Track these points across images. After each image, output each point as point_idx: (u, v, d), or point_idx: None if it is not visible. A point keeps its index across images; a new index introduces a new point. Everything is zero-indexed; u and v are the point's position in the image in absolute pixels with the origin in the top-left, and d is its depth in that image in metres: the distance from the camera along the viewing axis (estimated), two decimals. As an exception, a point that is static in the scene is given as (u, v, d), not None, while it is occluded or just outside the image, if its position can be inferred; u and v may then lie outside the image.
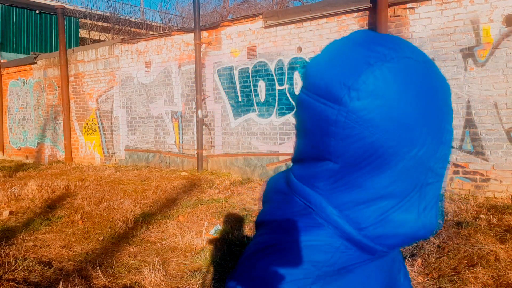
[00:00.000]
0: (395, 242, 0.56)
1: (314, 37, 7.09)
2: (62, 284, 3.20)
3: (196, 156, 8.58)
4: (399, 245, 0.58)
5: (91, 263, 3.75)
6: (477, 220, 4.33)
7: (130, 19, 19.98)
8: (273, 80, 7.53)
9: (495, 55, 5.43)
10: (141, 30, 20.30)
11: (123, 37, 13.33)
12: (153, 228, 4.83)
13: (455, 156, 5.72)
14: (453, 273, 3.19)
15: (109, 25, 19.33)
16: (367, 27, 6.50)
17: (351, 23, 6.70)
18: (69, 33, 16.58)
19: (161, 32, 11.18)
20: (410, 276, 3.19)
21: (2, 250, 4.00)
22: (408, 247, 3.71)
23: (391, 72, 0.50)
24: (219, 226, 4.68)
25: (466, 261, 3.35)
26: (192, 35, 8.57)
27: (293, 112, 7.30)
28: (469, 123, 5.61)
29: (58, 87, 11.49)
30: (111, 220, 5.13)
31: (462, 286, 2.99)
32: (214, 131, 8.44)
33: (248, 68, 7.85)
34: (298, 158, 0.61)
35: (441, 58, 5.78)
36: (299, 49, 7.25)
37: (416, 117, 0.50)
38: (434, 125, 0.53)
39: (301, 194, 0.60)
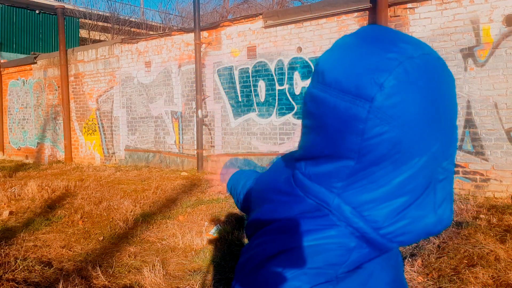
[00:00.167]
0: (412, 238, 0.56)
1: (314, 37, 7.09)
2: (62, 284, 3.20)
3: (196, 156, 8.58)
4: (415, 241, 0.57)
5: (91, 263, 3.75)
6: (477, 220, 4.33)
7: (130, 19, 19.98)
8: (273, 80, 7.53)
9: (495, 55, 5.43)
10: (141, 30, 20.30)
11: (123, 37, 13.33)
12: (153, 228, 4.83)
13: (455, 156, 5.72)
14: (453, 273, 3.19)
15: (109, 25, 19.33)
16: (367, 27, 6.50)
17: (351, 23, 6.70)
18: (69, 33, 16.58)
19: (161, 32, 11.18)
20: (410, 276, 3.19)
21: (2, 250, 4.00)
22: (408, 247, 3.71)
23: (418, 68, 0.49)
24: (219, 226, 4.68)
25: (466, 261, 3.35)
26: (192, 35, 8.57)
27: (293, 112, 7.30)
28: (469, 123, 5.61)
29: (58, 87, 11.49)
30: (111, 220, 5.13)
31: (462, 286, 2.98)
32: (214, 131, 8.44)
33: (248, 68, 7.85)
34: (309, 156, 0.59)
35: (441, 58, 5.78)
36: (299, 49, 7.25)
37: (437, 113, 0.51)
38: (449, 120, 0.53)
39: (314, 194, 0.58)
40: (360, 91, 0.50)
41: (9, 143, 13.26)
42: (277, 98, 7.50)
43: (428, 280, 3.17)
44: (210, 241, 4.28)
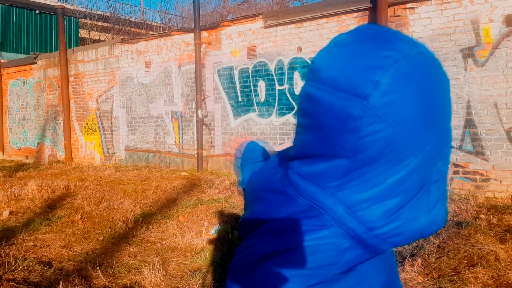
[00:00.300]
0: (405, 239, 0.56)
1: (314, 37, 7.09)
2: (62, 284, 3.20)
3: (196, 156, 8.58)
4: (408, 242, 0.57)
5: (91, 263, 3.74)
6: (477, 220, 4.33)
7: (130, 19, 19.98)
8: (273, 80, 7.53)
9: (495, 55, 5.43)
10: (141, 30, 20.30)
11: (123, 37, 13.33)
12: (153, 228, 4.83)
13: (455, 156, 5.72)
14: (453, 273, 3.19)
15: (109, 25, 19.33)
16: (367, 27, 6.50)
17: (351, 23, 6.69)
18: (69, 33, 16.58)
19: (161, 32, 11.18)
20: (410, 276, 3.19)
21: (2, 250, 4.00)
22: (408, 247, 3.71)
23: (414, 67, 0.49)
24: (219, 226, 4.68)
25: (466, 261, 3.35)
26: (192, 35, 8.57)
27: (293, 112, 7.30)
28: (469, 123, 5.61)
29: (58, 87, 11.49)
30: (111, 220, 5.13)
31: (462, 286, 2.98)
32: (214, 131, 8.44)
33: (248, 68, 7.85)
34: (303, 155, 0.59)
35: (441, 58, 5.78)
36: (299, 49, 7.25)
37: (431, 112, 0.51)
38: (442, 121, 0.53)
39: (307, 194, 0.58)
40: (355, 89, 0.49)
41: (9, 143, 13.26)
42: (277, 98, 7.50)
43: (428, 280, 3.17)
44: (210, 241, 4.28)
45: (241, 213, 5.22)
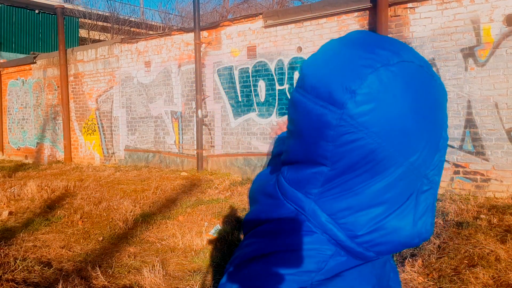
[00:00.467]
0: (389, 249, 0.55)
1: (314, 37, 7.08)
2: (62, 284, 3.19)
3: (196, 156, 8.58)
4: (393, 252, 0.57)
5: (91, 263, 3.74)
6: (478, 220, 4.32)
7: (130, 19, 19.97)
8: (273, 80, 7.52)
9: (496, 55, 5.43)
10: (141, 30, 20.30)
11: (122, 37, 13.32)
12: (153, 228, 4.82)
13: (456, 156, 5.71)
14: (453, 274, 3.18)
15: (108, 25, 19.33)
16: (367, 27, 6.50)
17: (351, 23, 6.69)
18: (68, 33, 16.57)
19: (161, 32, 11.17)
20: (410, 276, 3.18)
21: (1, 250, 3.99)
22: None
23: (394, 76, 0.48)
24: (219, 226, 4.68)
25: (466, 262, 3.34)
26: (192, 35, 8.56)
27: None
28: (469, 123, 5.60)
29: (58, 87, 11.47)
30: (110, 220, 5.12)
31: (463, 286, 2.98)
32: (214, 131, 8.43)
33: (248, 68, 7.85)
34: (289, 161, 0.59)
35: (441, 58, 5.78)
36: (299, 49, 7.24)
37: (416, 123, 0.49)
38: (432, 131, 0.52)
39: (292, 200, 0.58)
40: (332, 98, 0.49)
41: (9, 143, 13.24)
42: (277, 98, 7.49)
43: (428, 280, 3.16)
44: (210, 241, 4.27)
45: (241, 213, 5.22)
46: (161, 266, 3.55)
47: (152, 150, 9.56)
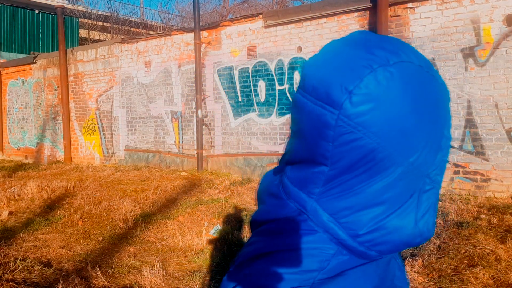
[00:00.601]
0: (391, 248, 0.55)
1: (314, 37, 7.08)
2: (62, 284, 3.19)
3: (196, 156, 8.58)
4: (395, 251, 0.57)
5: (91, 263, 3.74)
6: (478, 220, 4.32)
7: (130, 19, 19.97)
8: (273, 80, 7.52)
9: (496, 55, 5.43)
10: (141, 30, 20.30)
11: (122, 37, 13.32)
12: (153, 228, 4.82)
13: (456, 156, 5.71)
14: (453, 274, 3.18)
15: (108, 25, 19.33)
16: (367, 27, 6.50)
17: (351, 23, 6.69)
18: (68, 33, 16.57)
19: (161, 32, 11.17)
20: (410, 277, 3.18)
21: (1, 250, 3.99)
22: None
23: (392, 77, 0.48)
24: (219, 226, 4.68)
25: (466, 262, 3.35)
26: (192, 35, 8.56)
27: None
28: (469, 123, 5.60)
29: (58, 87, 11.47)
30: (110, 220, 5.12)
31: (463, 286, 2.98)
32: (214, 131, 8.43)
33: (248, 68, 7.85)
34: (292, 161, 0.60)
35: (441, 58, 5.78)
36: (299, 49, 7.24)
37: (415, 123, 0.49)
38: (433, 131, 0.52)
39: (295, 199, 0.59)
40: (330, 98, 0.50)
41: (9, 143, 13.24)
42: (277, 98, 7.49)
43: (428, 280, 3.16)
44: (210, 241, 4.27)
45: (241, 214, 5.23)
46: (161, 266, 3.55)
47: (152, 150, 9.56)
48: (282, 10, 8.45)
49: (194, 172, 8.37)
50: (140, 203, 5.90)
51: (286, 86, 7.38)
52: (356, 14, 6.63)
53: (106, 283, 3.34)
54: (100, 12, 19.45)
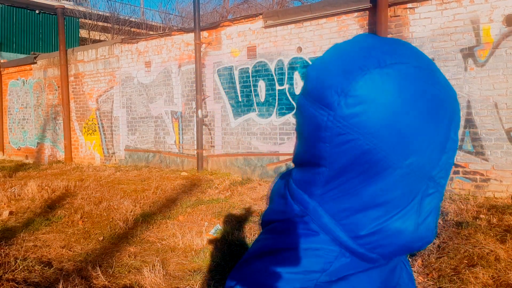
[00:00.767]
0: (392, 251, 0.55)
1: (314, 37, 7.09)
2: (62, 284, 3.20)
3: (196, 156, 8.58)
4: (396, 255, 0.56)
5: (91, 263, 3.74)
6: (477, 220, 4.33)
7: (130, 19, 19.97)
8: (273, 80, 7.53)
9: (495, 55, 5.43)
10: (141, 30, 20.30)
11: (123, 37, 13.33)
12: (153, 228, 4.83)
13: (455, 156, 5.71)
14: (453, 273, 3.19)
15: (109, 25, 19.33)
16: (367, 27, 6.50)
17: (351, 23, 6.69)
18: (69, 33, 16.58)
19: (161, 32, 11.18)
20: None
21: (2, 250, 4.00)
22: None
23: (386, 78, 0.48)
24: (219, 226, 4.68)
25: (466, 261, 3.35)
26: (192, 35, 8.57)
27: (293, 112, 7.30)
28: (469, 123, 5.61)
29: (58, 87, 11.48)
30: (111, 220, 5.13)
31: (462, 286, 2.98)
32: (214, 131, 8.44)
33: (248, 68, 7.85)
34: (297, 162, 0.61)
35: (441, 58, 5.78)
36: (299, 49, 7.24)
37: (412, 124, 0.49)
38: (435, 133, 0.51)
39: (298, 200, 0.59)
40: (326, 99, 0.50)
41: (9, 143, 13.25)
42: (277, 98, 7.50)
43: (428, 280, 3.16)
44: (210, 241, 4.28)
45: (241, 213, 5.23)
46: (161, 266, 3.56)
47: (152, 150, 9.57)
48: (282, 10, 8.45)
49: (194, 172, 8.37)
50: (140, 203, 5.91)
51: (286, 86, 7.39)
52: (356, 14, 6.64)
53: (106, 282, 3.35)
54: (100, 13, 19.46)
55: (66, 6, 14.81)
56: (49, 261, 3.85)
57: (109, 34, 19.45)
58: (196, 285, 3.31)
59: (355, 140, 0.50)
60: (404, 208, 0.53)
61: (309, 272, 0.54)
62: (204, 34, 8.49)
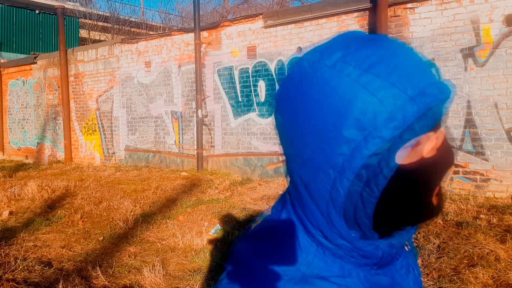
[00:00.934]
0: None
1: (314, 37, 7.09)
2: (62, 284, 3.20)
3: (196, 156, 8.58)
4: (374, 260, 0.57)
5: (91, 263, 3.74)
6: (477, 220, 4.33)
7: (130, 19, 19.98)
8: (273, 80, 7.53)
9: (495, 55, 5.43)
10: (141, 30, 20.30)
11: (123, 37, 13.33)
12: (153, 228, 4.83)
13: (455, 156, 5.71)
14: (453, 273, 3.19)
15: (109, 25, 19.33)
16: (367, 27, 6.50)
17: (351, 23, 6.69)
18: (69, 33, 16.57)
19: (161, 32, 11.18)
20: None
21: (2, 250, 4.00)
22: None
23: (299, 71, 0.56)
24: (219, 226, 4.68)
25: (466, 261, 3.35)
26: (192, 35, 8.56)
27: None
28: (469, 123, 5.61)
29: (58, 87, 11.48)
30: (111, 220, 5.13)
31: (462, 286, 2.98)
32: (214, 131, 8.44)
33: (248, 68, 7.85)
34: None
35: (441, 58, 5.78)
36: (299, 49, 7.24)
37: (296, 116, 0.53)
38: (323, 129, 0.50)
39: (288, 199, 0.62)
40: None
41: (9, 143, 13.25)
42: (277, 98, 7.49)
43: (428, 280, 3.16)
44: (210, 241, 4.28)
45: (241, 213, 5.23)
46: (161, 266, 3.56)
47: (152, 150, 9.56)
48: (282, 10, 8.45)
49: (194, 172, 8.37)
50: (140, 203, 5.91)
51: (286, 86, 7.38)
52: (356, 14, 6.64)
53: (106, 282, 3.35)
54: (100, 13, 19.47)
55: (66, 6, 14.82)
56: (49, 261, 3.85)
57: (109, 34, 19.45)
58: (196, 285, 3.31)
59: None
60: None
61: (290, 267, 0.55)
62: (204, 34, 8.49)
